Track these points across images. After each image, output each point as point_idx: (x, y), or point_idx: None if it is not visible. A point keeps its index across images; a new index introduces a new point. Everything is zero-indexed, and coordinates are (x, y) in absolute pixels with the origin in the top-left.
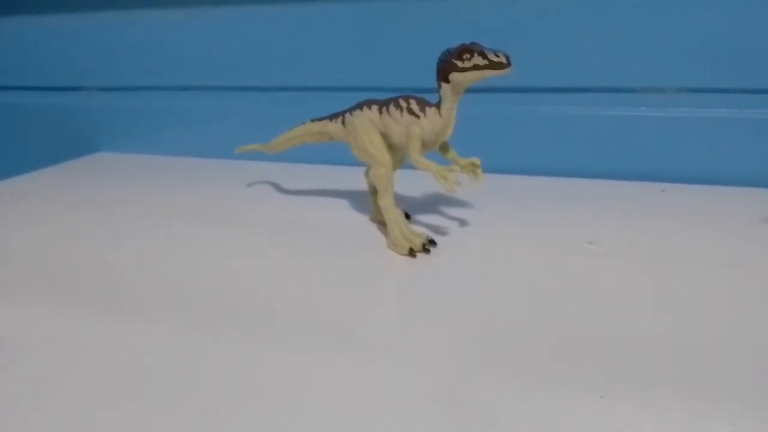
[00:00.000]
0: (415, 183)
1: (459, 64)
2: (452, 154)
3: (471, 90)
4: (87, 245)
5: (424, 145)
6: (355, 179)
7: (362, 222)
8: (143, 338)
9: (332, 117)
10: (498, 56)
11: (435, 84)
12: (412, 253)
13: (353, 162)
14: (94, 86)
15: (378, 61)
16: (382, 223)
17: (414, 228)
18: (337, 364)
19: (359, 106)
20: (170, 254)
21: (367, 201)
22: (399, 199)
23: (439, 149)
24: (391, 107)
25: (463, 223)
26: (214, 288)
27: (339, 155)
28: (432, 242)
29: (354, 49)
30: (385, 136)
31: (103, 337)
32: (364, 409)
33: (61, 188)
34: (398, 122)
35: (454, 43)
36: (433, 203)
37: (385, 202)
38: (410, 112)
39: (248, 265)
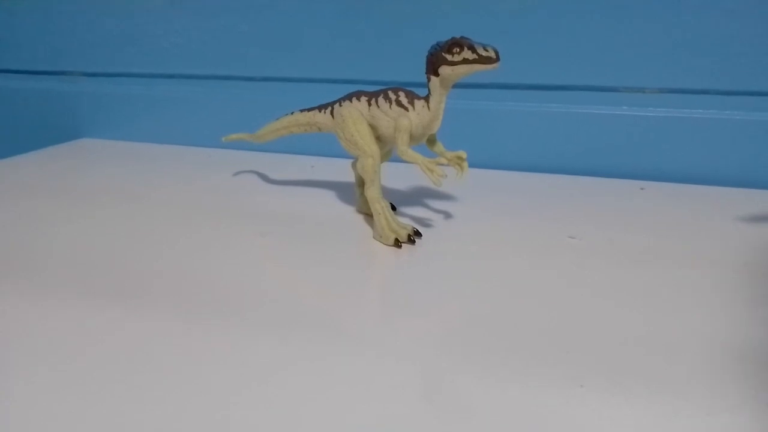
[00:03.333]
0: (402, 175)
1: (448, 57)
2: (439, 147)
3: (458, 86)
4: (66, 232)
5: (412, 138)
6: (341, 170)
7: (348, 213)
8: (119, 326)
9: (321, 108)
10: (487, 50)
11: (424, 78)
12: (397, 243)
13: (340, 153)
14: (78, 71)
15: (366, 53)
16: (368, 215)
17: (400, 220)
18: (320, 355)
19: (348, 97)
20: (153, 243)
21: (353, 192)
22: (385, 191)
23: (427, 142)
24: (380, 99)
25: (447, 215)
26: (197, 277)
27: (326, 146)
28: (417, 233)
29: (342, 41)
30: (373, 128)
31: (79, 324)
32: (345, 400)
33: (41, 174)
34: (387, 114)
35: (442, 37)
36: (419, 196)
37: (372, 194)
38: (399, 104)
39: (232, 255)
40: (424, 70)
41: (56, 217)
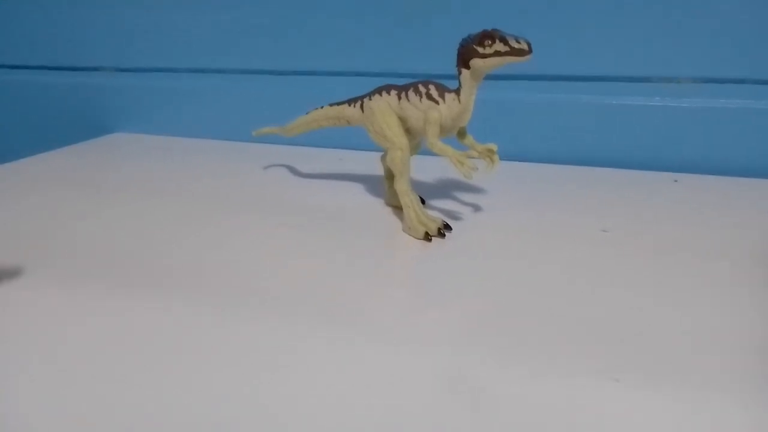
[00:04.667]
0: (431, 168)
1: (480, 50)
2: (469, 139)
3: (488, 77)
4: (98, 223)
5: (442, 131)
6: (370, 163)
7: (377, 206)
8: (149, 313)
9: (350, 102)
10: (519, 42)
11: (452, 70)
12: (427, 237)
13: (369, 146)
14: (110, 67)
15: (395, 46)
16: (397, 207)
17: (429, 212)
18: (349, 346)
19: (378, 91)
20: (183, 235)
21: (382, 185)
22: (415, 184)
23: (457, 135)
24: (410, 92)
25: (477, 208)
26: (228, 269)
27: (355, 139)
28: (447, 227)
29: (371, 34)
30: (403, 121)
31: (109, 312)
32: (369, 390)
33: (75, 169)
34: (417, 107)
35: (470, 28)
36: (449, 188)
37: (402, 187)
38: (429, 97)
39: (261, 247)
40: (455, 63)
41: (89, 210)
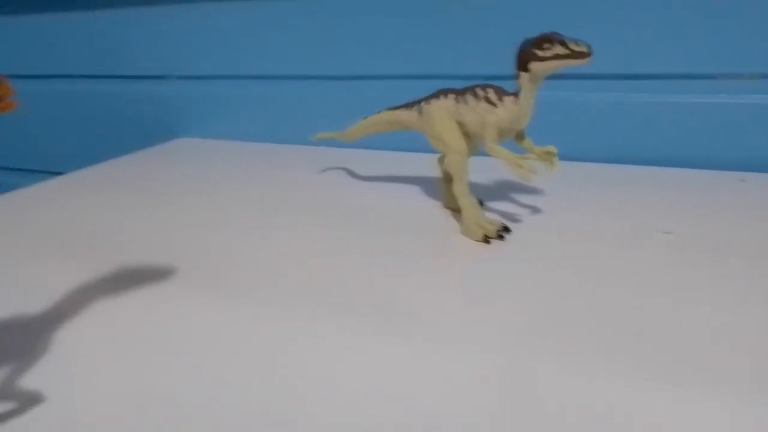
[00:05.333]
0: (488, 170)
1: (539, 53)
2: (528, 142)
3: (547, 77)
4: (162, 229)
5: (501, 134)
6: (427, 166)
7: (435, 208)
8: (213, 312)
9: (407, 106)
10: (579, 45)
11: (505, 70)
12: (485, 239)
13: (425, 149)
14: (175, 75)
15: (451, 49)
16: (454, 210)
17: (487, 215)
18: (406, 346)
19: (435, 94)
20: (244, 237)
21: (439, 188)
22: (472, 186)
23: (515, 138)
24: (468, 96)
25: (536, 210)
26: (288, 271)
27: (411, 142)
28: (506, 229)
29: (428, 36)
30: (460, 125)
31: (179, 314)
32: (425, 391)
33: (143, 173)
34: (474, 111)
35: (525, 30)
36: (507, 190)
37: (460, 189)
38: (487, 100)
39: (322, 250)
40: (513, 66)
41: (155, 213)
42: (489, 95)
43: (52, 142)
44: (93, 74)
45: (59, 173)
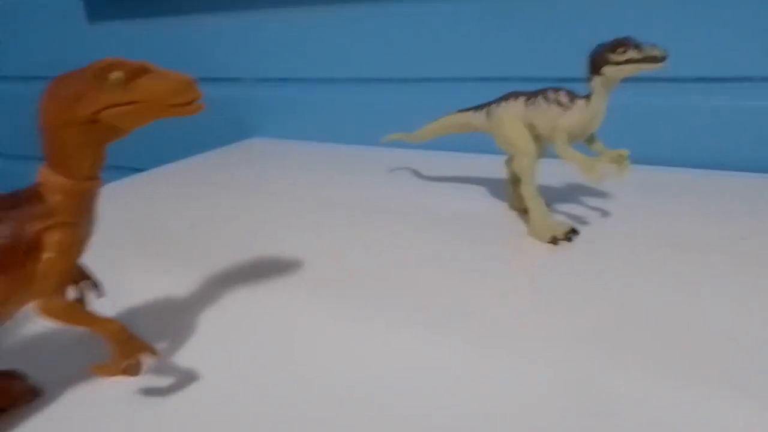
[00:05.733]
0: (557, 172)
1: (613, 57)
2: (599, 145)
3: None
4: (234, 225)
5: (571, 137)
6: (493, 167)
7: (502, 209)
8: (288, 309)
9: (477, 108)
10: (654, 50)
11: (575, 72)
12: (553, 241)
13: (492, 150)
14: (250, 77)
15: (519, 51)
16: (521, 211)
17: (556, 217)
18: (471, 348)
19: (505, 97)
20: (312, 237)
21: (506, 189)
22: (540, 188)
23: (585, 141)
24: (539, 99)
25: (605, 213)
26: (354, 271)
27: (478, 144)
28: (574, 231)
29: (495, 39)
30: (530, 128)
31: (250, 308)
32: (492, 394)
33: (216, 171)
34: (545, 114)
35: (597, 33)
36: (576, 193)
37: (529, 191)
38: (558, 103)
39: (388, 250)
40: (586, 70)
41: (226, 212)
42: (560, 98)
43: (136, 141)
44: None
45: (141, 170)
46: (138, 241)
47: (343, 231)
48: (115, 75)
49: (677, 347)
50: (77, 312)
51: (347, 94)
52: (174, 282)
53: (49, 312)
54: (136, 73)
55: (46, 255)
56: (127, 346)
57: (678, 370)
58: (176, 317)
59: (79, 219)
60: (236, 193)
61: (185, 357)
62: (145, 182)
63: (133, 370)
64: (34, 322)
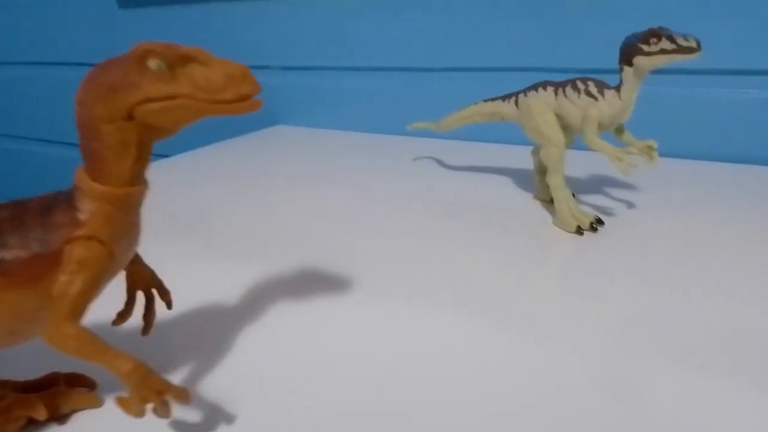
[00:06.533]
0: (584, 163)
1: (645, 48)
2: (628, 136)
3: (652, 71)
4: (263, 212)
5: (601, 128)
6: (518, 157)
7: (527, 199)
8: (302, 292)
9: (505, 98)
10: (687, 40)
11: (604, 64)
12: (579, 231)
13: (518, 140)
14: (276, 65)
15: (547, 41)
16: (546, 202)
17: (581, 207)
18: (500, 335)
19: (534, 87)
20: (337, 222)
21: (531, 179)
22: (567, 179)
23: (614, 131)
24: (568, 89)
25: (631, 205)
26: (377, 257)
27: (501, 133)
28: (600, 221)
29: (525, 28)
30: (559, 117)
31: (255, 285)
32: (516, 383)
33: (245, 157)
34: (575, 104)
35: (629, 24)
36: (602, 184)
37: (556, 181)
38: (588, 94)
39: (413, 239)
40: (617, 60)
41: (251, 194)
42: (590, 88)
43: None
44: None
45: (165, 156)
46: (161, 225)
47: (366, 217)
48: (155, 63)
49: (704, 338)
50: (89, 344)
51: (373, 82)
52: (200, 267)
53: (55, 341)
54: (180, 60)
55: (63, 273)
56: (144, 387)
57: (706, 360)
58: (204, 299)
59: (111, 233)
60: (260, 177)
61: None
62: (170, 168)
63: (159, 412)
64: None
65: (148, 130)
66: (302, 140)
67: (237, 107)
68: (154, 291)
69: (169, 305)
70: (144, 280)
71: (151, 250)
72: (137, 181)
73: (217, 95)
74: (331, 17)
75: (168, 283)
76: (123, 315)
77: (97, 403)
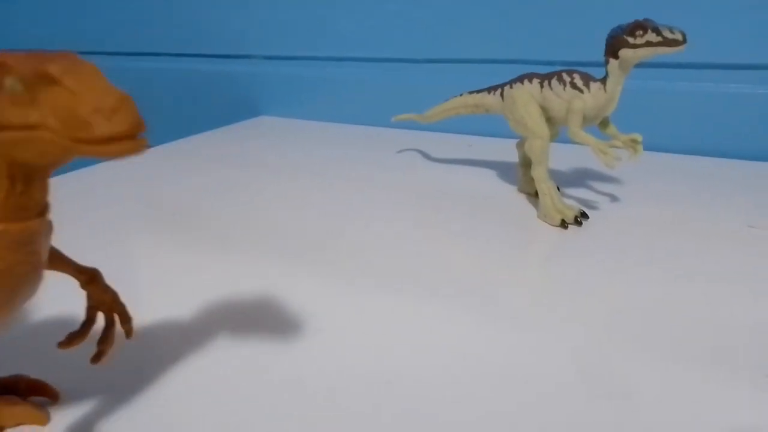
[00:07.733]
0: (568, 157)
1: (630, 40)
2: (612, 129)
3: (637, 65)
4: (241, 198)
5: (585, 120)
6: (502, 150)
7: (510, 192)
8: (290, 282)
9: (490, 89)
10: (673, 33)
11: (589, 56)
12: (563, 224)
13: (502, 133)
14: (259, 55)
15: (531, 33)
16: (530, 195)
17: (566, 201)
18: (482, 328)
19: (519, 79)
20: (319, 212)
21: (515, 172)
22: (551, 172)
23: (599, 125)
24: (554, 81)
25: (615, 198)
26: (360, 248)
27: (488, 126)
28: (584, 215)
29: (510, 20)
30: (544, 110)
31: (244, 278)
32: (500, 377)
33: (227, 147)
34: (560, 96)
35: (616, 16)
36: (586, 177)
37: (540, 174)
38: (573, 86)
39: (395, 230)
40: (603, 52)
41: (231, 186)
42: (575, 80)
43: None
44: (182, 53)
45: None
46: (144, 215)
47: (350, 209)
48: (10, 81)
49: (687, 331)
50: None
51: (358, 73)
52: (180, 254)
53: None
54: (40, 80)
55: None
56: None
57: (688, 353)
58: (185, 287)
59: None
60: (242, 168)
61: (192, 327)
62: (148, 158)
63: None
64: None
65: (18, 161)
66: (285, 131)
67: (109, 149)
68: (116, 316)
69: (128, 334)
70: (104, 304)
71: (131, 241)
72: (16, 217)
73: (80, 132)
74: (315, 7)
75: (150, 275)
76: (73, 337)
77: (43, 421)
